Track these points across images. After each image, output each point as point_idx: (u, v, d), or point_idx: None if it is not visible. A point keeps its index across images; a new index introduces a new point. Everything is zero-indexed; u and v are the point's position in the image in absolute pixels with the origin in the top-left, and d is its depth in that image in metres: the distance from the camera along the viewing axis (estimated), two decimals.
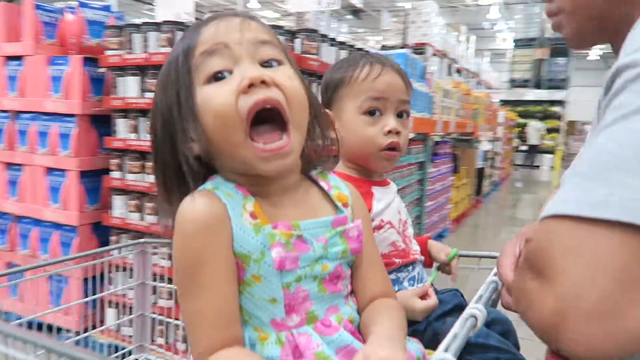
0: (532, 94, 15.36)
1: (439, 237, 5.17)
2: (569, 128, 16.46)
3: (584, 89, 16.37)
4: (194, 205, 0.66)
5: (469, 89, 6.32)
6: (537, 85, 15.35)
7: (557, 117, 15.20)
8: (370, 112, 0.92)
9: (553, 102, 15.22)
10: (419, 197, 4.25)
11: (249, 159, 0.66)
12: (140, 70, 2.29)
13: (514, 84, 15.71)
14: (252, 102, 0.64)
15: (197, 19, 2.34)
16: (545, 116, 15.20)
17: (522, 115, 14.78)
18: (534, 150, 14.56)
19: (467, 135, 6.54)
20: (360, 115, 0.92)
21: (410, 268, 1.00)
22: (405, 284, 0.98)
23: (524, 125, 14.59)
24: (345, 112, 0.94)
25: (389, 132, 0.93)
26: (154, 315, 1.60)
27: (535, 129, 14.27)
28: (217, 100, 0.65)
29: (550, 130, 14.52)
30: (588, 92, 21.71)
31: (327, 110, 0.91)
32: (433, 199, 4.68)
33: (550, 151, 14.88)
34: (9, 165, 2.61)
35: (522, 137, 14.60)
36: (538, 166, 14.87)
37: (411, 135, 3.89)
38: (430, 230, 4.75)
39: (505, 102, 13.38)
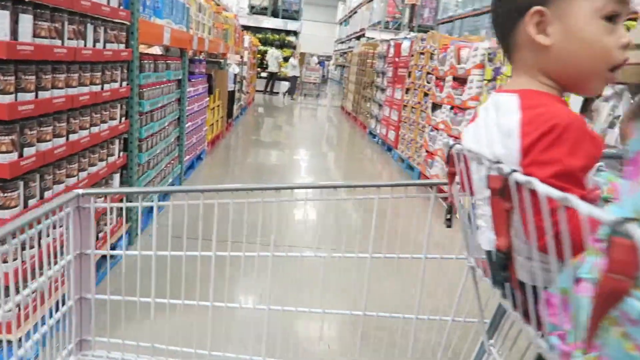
0: (269, 22, 15.98)
1: (198, 159, 5.08)
2: (301, 58, 17.90)
3: (314, 24, 17.84)
4: None
5: (219, 7, 6.12)
6: (275, 14, 16.02)
7: (293, 46, 16.31)
8: (610, 18, 0.70)
9: (289, 32, 16.20)
10: (179, 117, 4.02)
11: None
12: None
13: (253, 10, 16.03)
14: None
15: None
16: (282, 45, 16.11)
17: (262, 42, 15.34)
18: (273, 77, 15.41)
19: (218, 56, 6.42)
20: (598, 18, 0.70)
21: None
22: None
23: (264, 53, 15.19)
24: (575, 12, 0.71)
25: (625, 46, 0.73)
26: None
27: (274, 57, 15.02)
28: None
29: (286, 59, 15.49)
30: (318, 26, 23.98)
31: (540, 8, 0.71)
32: (191, 119, 4.51)
33: (287, 79, 16.00)
34: None
35: (263, 64, 15.24)
36: (277, 92, 15.87)
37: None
38: (190, 152, 4.61)
39: (245, 28, 13.57)
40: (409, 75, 6.29)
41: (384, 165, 6.52)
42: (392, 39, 7.84)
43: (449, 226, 0.91)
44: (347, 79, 12.97)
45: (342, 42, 27.25)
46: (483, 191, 0.75)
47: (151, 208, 3.45)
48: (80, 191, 1.18)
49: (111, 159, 2.54)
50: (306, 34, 17.30)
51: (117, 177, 2.65)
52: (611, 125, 2.38)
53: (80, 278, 1.22)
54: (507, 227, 0.63)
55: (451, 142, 0.83)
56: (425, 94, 5.57)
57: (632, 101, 2.34)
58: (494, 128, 0.73)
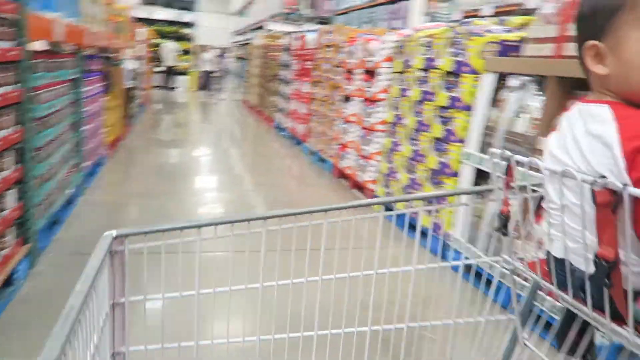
0: (163, 13, 15.19)
1: (98, 164, 4.67)
2: (197, 51, 17.27)
3: (211, 14, 17.27)
4: None
5: None
6: (169, 5, 15.26)
7: (189, 39, 15.66)
8: None
9: (184, 24, 15.52)
10: (76, 120, 3.65)
11: None
12: None
13: (146, 1, 15.13)
14: None
15: None
16: (178, 37, 15.41)
17: (157, 35, 14.54)
18: (170, 71, 14.71)
19: (113, 51, 5.94)
20: None
21: None
22: None
23: (158, 46, 14.42)
24: (628, 44, 0.76)
25: None
26: None
27: (170, 50, 14.32)
28: None
29: (186, 52, 14.85)
30: (213, 17, 23.26)
31: (595, 43, 0.79)
32: (89, 122, 4.12)
33: (185, 73, 15.37)
34: None
35: (158, 58, 14.47)
36: (174, 88, 15.18)
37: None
38: (90, 157, 4.22)
39: (137, 20, 12.76)
40: (316, 68, 6.31)
41: (294, 159, 6.49)
42: (296, 31, 7.80)
43: (504, 234, 0.94)
44: (249, 72, 12.74)
45: (240, 34, 26.74)
46: (558, 201, 0.79)
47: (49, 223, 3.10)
48: (114, 232, 1.01)
49: (4, 174, 2.22)
50: (202, 26, 16.67)
51: (12, 193, 2.33)
52: (517, 114, 2.55)
53: (114, 331, 1.04)
54: (615, 238, 0.66)
55: (508, 153, 0.90)
56: (334, 87, 5.62)
57: (535, 91, 2.52)
58: (586, 138, 0.76)
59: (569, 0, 2.47)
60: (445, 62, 3.20)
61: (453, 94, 3.09)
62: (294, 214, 1.32)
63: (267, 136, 8.32)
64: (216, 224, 1.25)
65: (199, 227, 1.21)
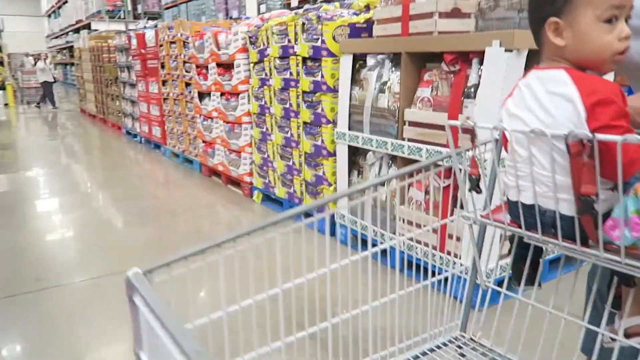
0: None
1: None
2: (10, 60, 15.20)
3: (18, 18, 15.29)
4: None
5: None
6: None
7: None
8: (609, 20, 0.92)
9: None
10: None
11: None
12: None
13: None
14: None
15: None
16: None
17: None
18: None
19: None
20: (599, 23, 0.92)
21: None
22: None
23: None
24: (582, 20, 0.93)
25: (625, 37, 0.94)
26: None
27: None
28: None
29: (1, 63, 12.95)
30: (23, 20, 20.51)
31: (555, 19, 0.94)
32: None
33: (1, 87, 13.49)
34: None
35: None
36: None
37: None
38: None
39: None
40: (163, 67, 6.00)
41: (155, 163, 6.15)
42: (130, 30, 7.29)
43: (478, 192, 1.09)
44: (80, 78, 11.60)
45: (56, 37, 24.04)
46: (525, 155, 0.95)
47: None
48: (138, 270, 0.79)
49: None
50: (10, 31, 14.65)
51: None
52: (382, 91, 2.76)
53: None
54: (593, 176, 0.83)
55: (469, 122, 1.05)
56: (187, 84, 5.42)
57: (391, 67, 2.74)
58: (549, 97, 0.91)
59: None
60: (302, 48, 3.30)
61: (315, 79, 3.22)
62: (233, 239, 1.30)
63: (117, 144, 7.73)
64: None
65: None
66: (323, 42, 3.09)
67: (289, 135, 3.62)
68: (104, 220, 3.92)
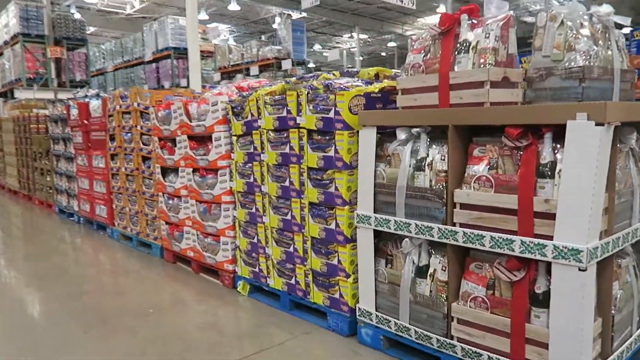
0: None
1: None
2: None
3: None
4: None
5: None
6: None
7: None
8: None
9: None
10: None
11: None
12: None
13: None
14: None
15: None
16: None
17: None
18: None
19: None
20: None
21: None
22: None
23: None
24: None
25: None
26: None
27: None
28: None
29: None
30: None
31: None
32: None
33: None
34: None
35: None
36: None
37: None
38: None
39: None
40: (112, 139, 5.34)
41: (102, 248, 5.32)
42: (69, 99, 6.58)
43: None
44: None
45: None
46: None
47: None
48: None
49: None
50: None
51: None
52: (419, 168, 2.39)
53: None
54: None
55: None
56: (145, 158, 4.80)
57: (428, 142, 2.40)
58: None
59: (430, 50, 2.45)
60: (308, 121, 2.89)
61: (327, 154, 2.80)
62: None
63: (49, 225, 6.75)
64: None
65: None
66: (337, 113, 2.71)
67: (288, 217, 3.13)
68: (33, 335, 3.12)
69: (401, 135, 2.48)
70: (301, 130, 2.95)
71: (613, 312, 2.09)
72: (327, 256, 2.89)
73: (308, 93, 2.89)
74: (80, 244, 5.71)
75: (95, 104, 5.66)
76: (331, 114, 2.75)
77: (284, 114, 3.06)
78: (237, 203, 3.60)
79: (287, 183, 3.10)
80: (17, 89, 13.74)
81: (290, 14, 21.06)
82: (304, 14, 21.31)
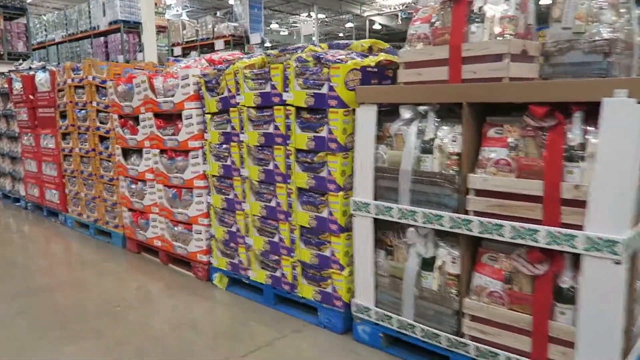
0: None
1: None
2: None
3: None
4: None
5: None
6: None
7: None
8: None
9: None
10: None
11: None
12: None
13: None
14: None
15: None
16: None
17: None
18: None
19: None
20: None
21: None
22: None
23: None
24: None
25: None
26: None
27: None
28: None
29: None
30: None
31: None
32: None
33: None
34: None
35: None
36: None
37: None
38: None
39: None
40: (64, 117, 4.84)
41: (55, 236, 4.86)
42: (10, 71, 5.93)
43: None
44: None
45: None
46: None
47: None
48: None
49: None
50: None
51: None
52: (426, 150, 2.17)
53: None
54: None
55: None
56: (103, 138, 4.36)
57: (437, 121, 2.17)
58: None
59: (438, 18, 2.21)
60: (296, 97, 2.60)
61: (319, 134, 2.53)
62: None
63: None
64: None
65: None
66: (331, 88, 2.43)
67: (272, 204, 2.85)
68: None
69: (405, 113, 2.24)
70: (288, 107, 2.66)
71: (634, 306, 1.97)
72: (318, 247, 2.64)
73: (296, 66, 2.60)
74: (29, 232, 5.20)
75: (42, 77, 5.11)
76: (324, 90, 2.47)
77: (268, 89, 2.75)
78: (212, 188, 3.28)
79: (271, 166, 2.81)
80: None
81: None
82: None
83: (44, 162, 5.32)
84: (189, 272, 3.59)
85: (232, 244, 3.19)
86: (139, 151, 3.89)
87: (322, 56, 2.54)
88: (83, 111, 4.50)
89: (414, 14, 2.34)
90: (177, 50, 15.56)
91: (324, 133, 2.51)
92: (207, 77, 3.16)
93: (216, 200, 3.25)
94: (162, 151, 3.60)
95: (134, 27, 15.06)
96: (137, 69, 4.30)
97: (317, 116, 2.55)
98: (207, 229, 3.38)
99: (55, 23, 17.99)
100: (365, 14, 25.61)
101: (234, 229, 3.16)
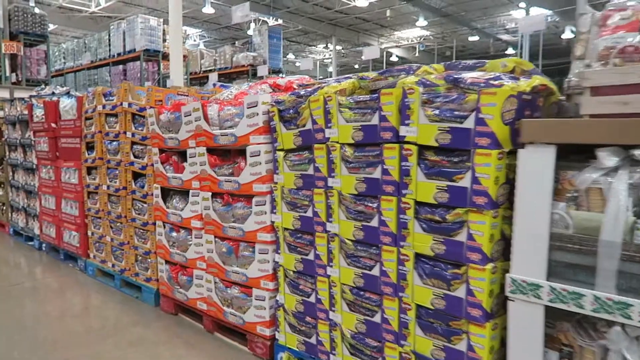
0: None
1: None
2: None
3: None
4: None
5: None
6: None
7: None
8: None
9: None
10: None
11: None
12: None
13: None
14: None
15: None
16: None
17: None
18: None
19: None
20: None
21: None
22: None
23: None
24: None
25: None
26: None
27: None
28: None
29: None
30: None
31: None
32: None
33: None
34: None
35: None
36: None
37: None
38: None
39: None
40: (91, 148, 4.22)
41: (73, 288, 4.14)
42: (31, 96, 5.37)
43: None
44: None
45: None
46: None
47: None
48: None
49: None
50: None
51: None
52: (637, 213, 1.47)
53: None
54: None
55: None
56: (138, 175, 3.72)
57: None
58: None
59: None
60: (421, 132, 1.94)
61: (455, 184, 1.85)
62: None
63: (1, 250, 5.46)
64: None
65: None
66: (481, 122, 1.77)
67: (374, 272, 2.15)
68: None
69: (606, 159, 1.56)
70: (406, 146, 1.99)
71: None
72: (446, 337, 1.93)
73: (422, 92, 1.94)
74: (42, 279, 4.50)
75: (67, 104, 4.51)
76: (468, 123, 1.80)
77: (375, 121, 2.09)
78: (283, 244, 2.59)
79: (374, 222, 2.13)
80: None
81: (266, 21, 20.18)
82: (280, 21, 20.46)
83: (64, 199, 4.67)
84: (244, 345, 2.86)
85: (308, 319, 2.48)
86: (183, 192, 3.23)
87: (459, 78, 1.88)
88: (114, 143, 3.87)
89: (606, 20, 1.69)
90: (214, 77, 15.22)
91: (464, 182, 1.82)
92: (282, 105, 2.52)
93: (288, 260, 2.55)
94: (215, 194, 2.93)
95: (153, 56, 14.86)
96: (181, 94, 3.68)
97: (454, 159, 1.87)
98: (272, 295, 2.68)
99: (74, 51, 17.86)
100: (383, 46, 25.40)
101: (312, 299, 2.45)
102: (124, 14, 17.81)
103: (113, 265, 4.04)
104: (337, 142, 2.25)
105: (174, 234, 3.29)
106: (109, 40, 15.90)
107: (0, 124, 6.31)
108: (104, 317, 3.51)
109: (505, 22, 21.17)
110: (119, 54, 15.37)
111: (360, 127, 2.15)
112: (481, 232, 1.80)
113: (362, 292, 2.22)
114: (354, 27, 22.74)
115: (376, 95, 2.09)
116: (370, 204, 2.15)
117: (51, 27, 19.43)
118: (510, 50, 23.34)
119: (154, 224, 3.49)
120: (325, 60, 30.19)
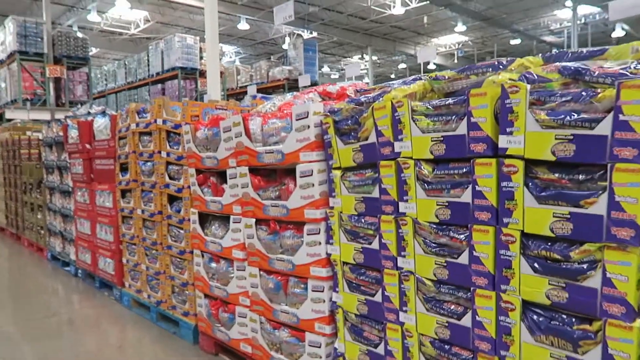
0: None
1: None
2: None
3: None
4: None
5: None
6: None
7: None
8: None
9: None
10: None
11: None
12: None
13: None
14: None
15: None
16: None
17: None
18: None
19: None
20: None
21: None
22: None
23: None
24: None
25: None
26: None
27: None
28: None
29: None
30: None
31: None
32: None
33: None
34: None
35: None
36: None
37: None
38: None
39: None
40: (125, 170, 3.93)
41: (108, 321, 3.83)
42: (67, 117, 5.19)
43: None
44: None
45: None
46: None
47: None
48: None
49: None
50: None
51: None
52: None
53: None
54: None
55: None
56: (174, 198, 3.38)
57: None
58: None
59: None
60: (530, 142, 1.48)
61: (582, 210, 1.38)
62: None
63: (37, 277, 5.25)
64: None
65: None
66: (624, 126, 1.30)
67: (464, 322, 1.69)
68: None
69: None
70: (508, 162, 1.53)
71: None
72: None
73: (529, 90, 1.49)
74: (77, 309, 4.22)
75: (100, 123, 4.26)
76: (602, 129, 1.34)
77: (461, 130, 1.65)
78: (342, 281, 2.16)
79: (462, 259, 1.67)
80: (8, 108, 12.42)
81: (300, 34, 20.04)
82: (314, 34, 20.29)
83: (98, 224, 4.41)
84: None
85: None
86: (223, 218, 2.86)
87: (583, 69, 1.42)
88: (149, 163, 3.56)
89: None
90: (252, 90, 15.14)
91: (597, 208, 1.35)
92: (339, 115, 2.10)
93: (349, 300, 2.12)
94: (260, 221, 2.54)
95: (190, 73, 14.95)
96: (219, 108, 3.34)
97: (579, 176, 1.41)
98: (329, 342, 2.24)
99: (115, 72, 18.23)
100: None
101: (380, 350, 2.00)
102: (162, 34, 18.05)
103: (149, 296, 3.71)
104: (411, 158, 1.81)
105: (214, 264, 2.91)
106: (148, 60, 16.12)
107: (39, 146, 6.19)
108: (138, 354, 3.16)
109: (550, 23, 20.28)
110: (157, 73, 15.54)
111: (441, 139, 1.71)
112: (624, 276, 1.32)
113: (447, 346, 1.76)
114: (390, 35, 22.34)
115: (463, 97, 1.65)
116: (457, 235, 1.69)
117: (93, 50, 19.93)
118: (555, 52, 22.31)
119: (192, 252, 3.13)
120: (361, 71, 29.88)
